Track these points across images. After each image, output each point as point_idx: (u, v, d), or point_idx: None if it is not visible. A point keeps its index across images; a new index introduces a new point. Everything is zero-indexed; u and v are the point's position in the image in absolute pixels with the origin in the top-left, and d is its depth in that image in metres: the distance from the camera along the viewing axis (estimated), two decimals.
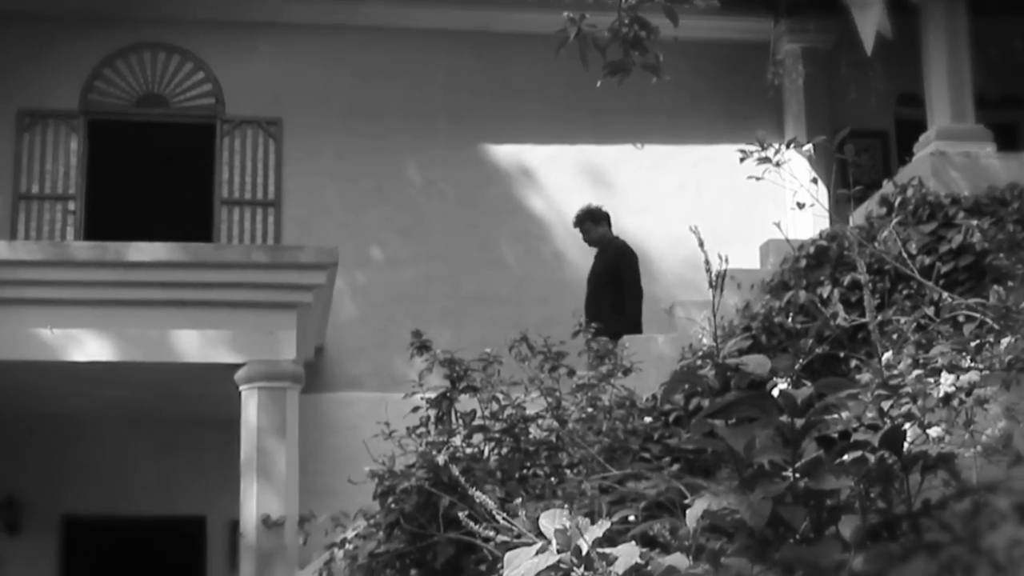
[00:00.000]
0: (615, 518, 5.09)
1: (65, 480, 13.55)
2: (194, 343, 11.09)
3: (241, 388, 11.05)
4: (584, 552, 4.38)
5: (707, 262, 4.46)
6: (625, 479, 7.91)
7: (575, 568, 4.41)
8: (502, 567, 4.60)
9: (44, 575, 13.43)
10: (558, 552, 4.42)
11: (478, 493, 4.87)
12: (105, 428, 13.58)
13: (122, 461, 13.68)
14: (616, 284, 12.07)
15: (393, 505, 10.01)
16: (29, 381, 11.97)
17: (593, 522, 4.54)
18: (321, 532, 10.80)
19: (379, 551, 10.17)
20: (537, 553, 4.45)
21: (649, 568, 4.41)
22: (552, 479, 9.57)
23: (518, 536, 4.79)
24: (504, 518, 4.85)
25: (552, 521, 4.51)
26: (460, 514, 5.35)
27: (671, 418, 10.01)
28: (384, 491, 10.14)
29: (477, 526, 5.08)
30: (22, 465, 13.52)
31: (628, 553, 4.37)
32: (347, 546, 10.46)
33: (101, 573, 15.42)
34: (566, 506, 4.91)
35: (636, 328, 11.88)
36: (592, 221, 12.49)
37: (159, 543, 15.31)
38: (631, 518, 6.27)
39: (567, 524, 4.44)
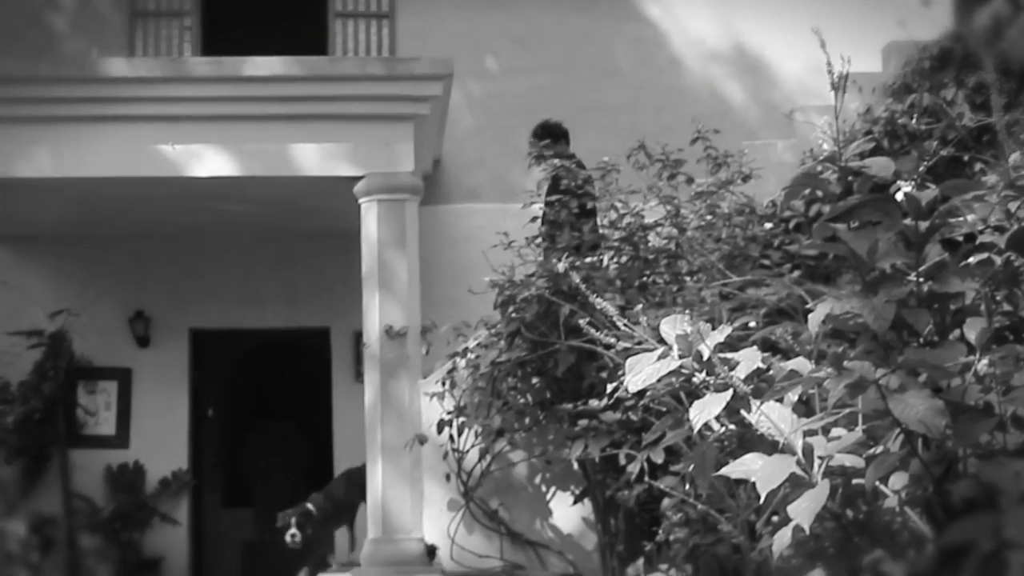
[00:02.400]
0: (735, 324, 5.08)
1: (192, 294, 13.83)
2: (313, 157, 11.15)
3: (360, 201, 11.11)
4: (705, 357, 4.39)
5: (829, 64, 4.36)
6: (745, 286, 7.89)
7: (696, 373, 4.42)
8: (623, 373, 4.61)
9: (174, 386, 13.78)
10: (679, 357, 4.43)
11: (599, 300, 4.87)
12: (228, 243, 13.79)
13: (246, 275, 13.90)
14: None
15: (514, 314, 10.10)
16: (153, 198, 12.15)
17: (714, 328, 4.53)
18: (443, 342, 10.94)
19: (501, 359, 10.29)
20: (658, 359, 4.46)
21: (771, 372, 4.41)
22: (672, 286, 9.57)
23: (639, 343, 4.80)
24: (625, 325, 4.85)
25: (673, 327, 4.51)
26: (581, 322, 5.37)
27: (791, 224, 9.93)
28: (504, 300, 10.23)
29: (598, 333, 5.10)
30: (150, 281, 13.81)
31: (750, 357, 4.37)
32: (469, 355, 10.60)
33: (229, 384, 15.80)
34: (687, 312, 4.90)
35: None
36: (552, 140, 11.97)
37: (284, 354, 15.62)
38: (751, 324, 6.27)
39: (688, 330, 4.44)
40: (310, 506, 10.35)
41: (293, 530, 9.62)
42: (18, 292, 13.20)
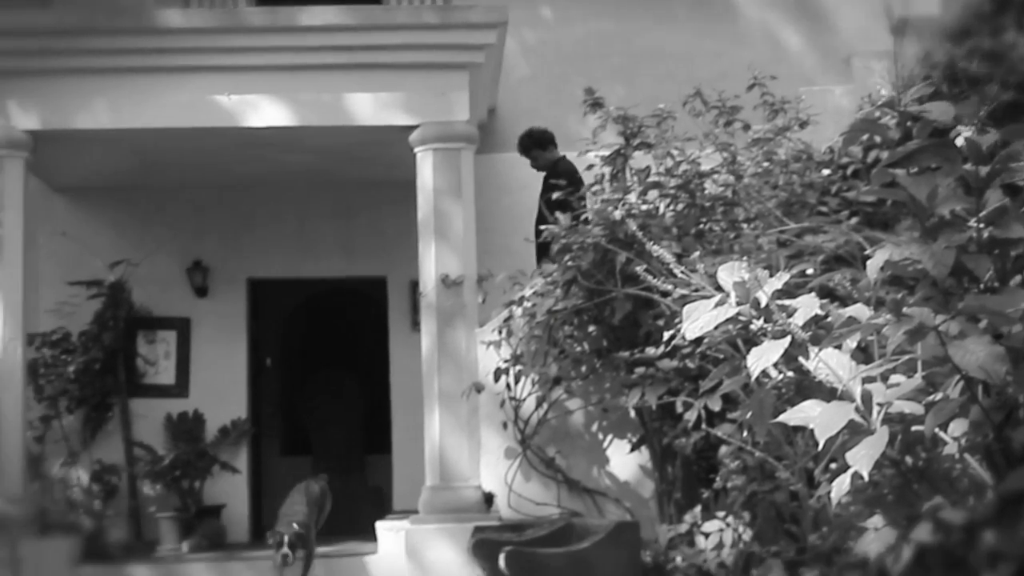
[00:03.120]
0: (793, 271, 5.06)
1: (249, 244, 13.89)
2: (368, 106, 11.15)
3: (416, 150, 11.12)
4: (763, 304, 4.37)
5: (887, 9, 4.31)
6: (802, 233, 7.85)
7: (754, 320, 4.41)
8: (680, 321, 4.61)
9: (232, 336, 13.87)
10: (737, 305, 4.42)
11: (655, 248, 4.86)
12: (285, 193, 13.83)
13: (303, 225, 13.95)
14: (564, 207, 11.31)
15: (570, 262, 10.10)
16: (210, 148, 12.20)
17: (771, 275, 4.51)
18: (499, 290, 10.96)
19: (557, 308, 10.30)
20: (716, 306, 4.45)
21: (829, 319, 4.39)
22: (728, 234, 9.54)
23: (696, 290, 4.79)
24: (682, 272, 4.85)
25: (731, 274, 4.49)
26: (637, 269, 5.37)
27: (849, 171, 9.86)
28: (561, 249, 10.22)
29: (655, 281, 5.09)
30: (207, 231, 13.88)
31: (808, 304, 4.35)
32: (525, 303, 10.61)
33: (287, 333, 15.89)
34: (744, 260, 4.88)
35: None
36: (539, 147, 11.94)
37: (341, 304, 15.68)
38: (809, 271, 6.24)
39: (746, 277, 4.43)
40: (296, 527, 10.21)
41: (286, 549, 9.56)
42: (78, 243, 13.30)
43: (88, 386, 13.15)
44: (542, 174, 11.81)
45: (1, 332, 10.85)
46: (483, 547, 9.56)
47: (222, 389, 13.66)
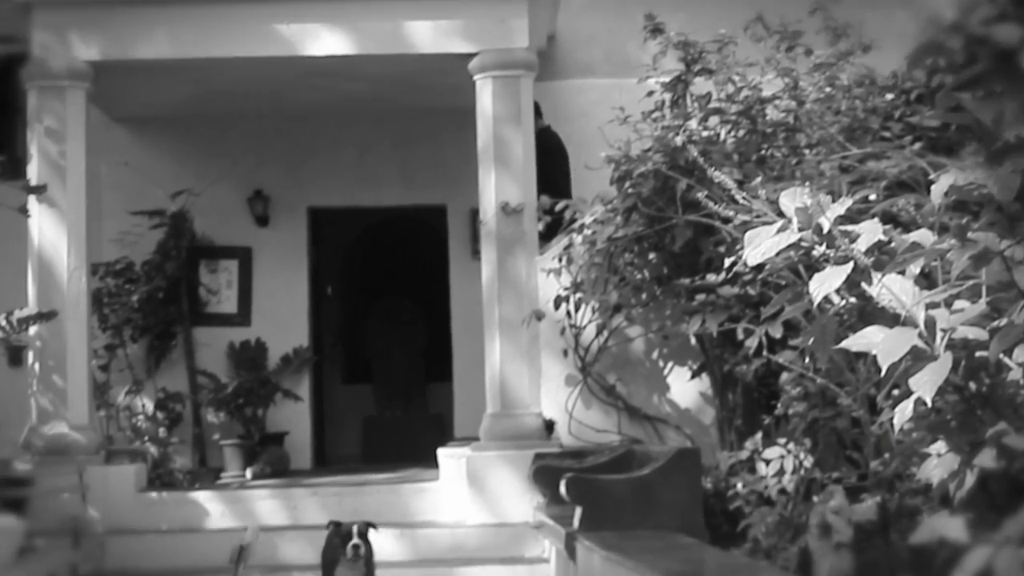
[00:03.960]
0: (856, 197, 5.02)
1: (309, 173, 13.93)
2: (427, 34, 11.12)
3: (475, 78, 11.08)
4: (825, 230, 4.35)
5: None
6: (865, 158, 7.78)
7: (816, 246, 4.38)
8: (741, 247, 4.59)
9: (293, 265, 13.94)
10: (799, 230, 4.40)
11: (717, 174, 4.83)
12: (345, 122, 13.85)
13: (362, 153, 13.97)
14: (548, 181, 11.23)
15: (630, 189, 10.07)
16: (270, 78, 12.21)
17: (833, 201, 4.48)
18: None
19: (617, 235, 10.28)
20: (777, 232, 4.43)
21: (892, 245, 4.36)
22: (790, 160, 9.47)
23: (757, 216, 4.76)
24: (743, 198, 4.82)
25: (792, 200, 4.47)
26: (698, 195, 5.35)
27: (913, 95, 9.74)
28: (621, 176, 10.19)
29: (716, 207, 5.07)
30: (268, 160, 13.93)
31: (871, 230, 4.32)
32: (585, 231, 10.60)
33: (347, 262, 15.97)
34: (806, 185, 4.85)
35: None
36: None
37: (401, 233, 15.73)
38: (872, 197, 6.19)
39: (808, 202, 4.40)
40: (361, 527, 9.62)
41: (356, 540, 9.20)
42: (139, 173, 13.39)
43: (151, 315, 13.28)
44: (603, 101, 11.74)
45: (66, 262, 10.96)
46: (544, 474, 9.61)
47: (284, 318, 13.76)
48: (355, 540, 8.98)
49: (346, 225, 15.22)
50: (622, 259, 10.50)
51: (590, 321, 10.94)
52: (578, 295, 10.74)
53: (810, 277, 4.34)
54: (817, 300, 4.26)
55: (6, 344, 10.15)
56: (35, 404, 10.92)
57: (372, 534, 8.71)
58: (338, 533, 8.78)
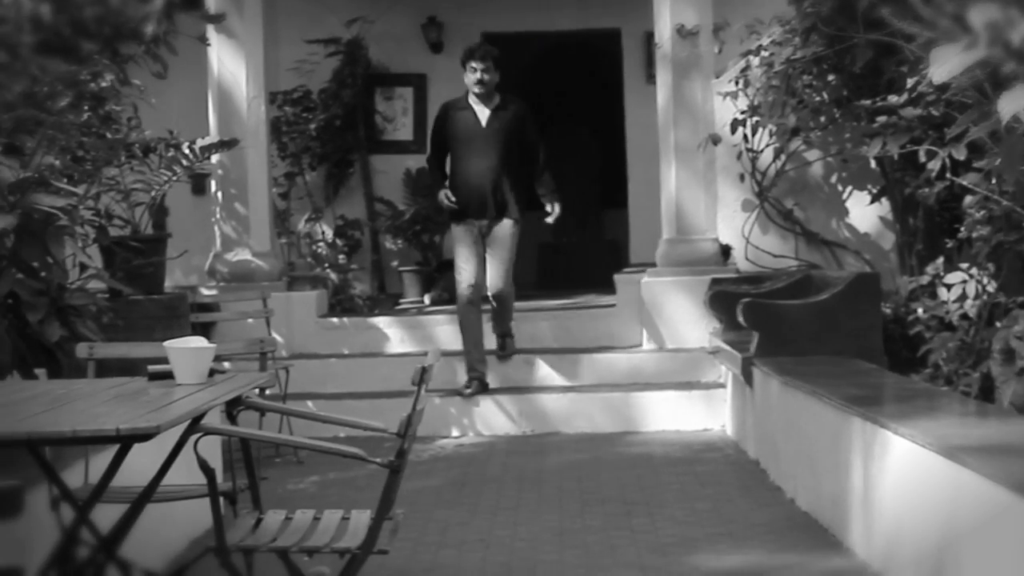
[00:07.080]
0: None
1: None
2: None
3: None
4: (1015, 46, 4.19)
5: None
6: None
7: (1006, 63, 4.23)
8: (925, 67, 4.45)
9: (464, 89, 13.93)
10: (988, 47, 4.24)
11: None
12: None
13: None
14: (524, 146, 10.50)
15: (809, 9, 9.82)
16: None
17: None
18: (736, 40, 10.75)
19: (795, 56, 10.07)
20: (964, 49, 4.28)
21: None
22: None
23: (944, 33, 4.61)
24: (930, 14, 4.66)
25: (982, 15, 4.30)
26: (882, 12, 5.19)
27: None
28: None
29: (900, 24, 4.91)
30: None
31: None
32: (762, 53, 10.40)
33: (521, 87, 15.90)
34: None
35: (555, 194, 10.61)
36: (495, 64, 10.56)
37: (576, 56, 15.59)
38: None
39: (998, 17, 4.24)
40: None
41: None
42: (314, 1, 13.42)
43: (329, 143, 13.43)
44: None
45: (245, 91, 11.10)
46: (720, 299, 9.59)
47: None
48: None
49: (520, 50, 15.13)
50: (800, 81, 10.30)
51: (767, 145, 10.79)
52: (755, 119, 10.58)
53: (998, 96, 4.20)
54: (1005, 120, 4.11)
55: (190, 172, 10.35)
56: (219, 232, 11.18)
57: None
58: None
